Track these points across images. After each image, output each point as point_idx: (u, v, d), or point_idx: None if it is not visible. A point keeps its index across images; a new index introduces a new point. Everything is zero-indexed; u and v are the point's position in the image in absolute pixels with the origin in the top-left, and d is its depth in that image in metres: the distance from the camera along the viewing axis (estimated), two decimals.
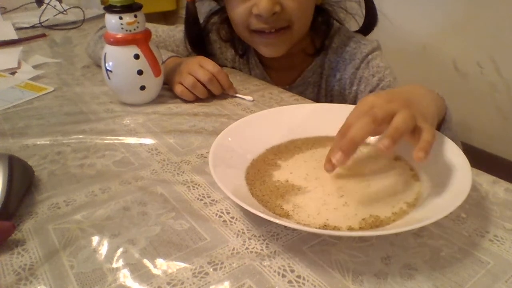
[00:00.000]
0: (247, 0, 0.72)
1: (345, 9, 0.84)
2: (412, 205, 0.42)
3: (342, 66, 0.82)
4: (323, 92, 0.86)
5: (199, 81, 0.71)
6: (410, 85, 0.52)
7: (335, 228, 0.39)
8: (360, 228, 0.39)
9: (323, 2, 0.82)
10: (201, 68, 0.72)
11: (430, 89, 0.53)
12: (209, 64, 0.73)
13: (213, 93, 0.73)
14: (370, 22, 0.83)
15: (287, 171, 0.49)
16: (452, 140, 0.48)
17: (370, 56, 0.79)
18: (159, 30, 0.90)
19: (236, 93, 0.75)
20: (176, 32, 0.90)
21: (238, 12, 0.74)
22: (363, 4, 0.81)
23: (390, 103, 0.44)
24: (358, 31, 0.85)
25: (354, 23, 0.86)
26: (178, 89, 0.72)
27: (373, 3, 0.81)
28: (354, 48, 0.81)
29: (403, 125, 0.41)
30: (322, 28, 0.83)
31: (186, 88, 0.71)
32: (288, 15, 0.72)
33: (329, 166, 0.44)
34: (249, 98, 0.73)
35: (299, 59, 0.84)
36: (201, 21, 0.87)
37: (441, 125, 0.55)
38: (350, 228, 0.39)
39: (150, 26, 0.86)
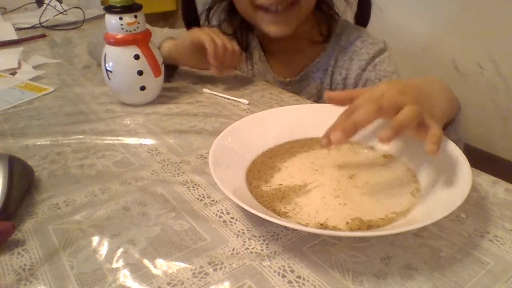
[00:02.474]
0: None
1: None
2: (400, 214, 0.41)
3: (348, 64, 0.82)
4: (324, 90, 0.85)
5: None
6: (430, 77, 0.51)
7: (334, 228, 0.39)
8: (359, 229, 0.39)
9: None
10: (219, 36, 0.72)
11: (448, 87, 0.52)
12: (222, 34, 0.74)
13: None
14: (362, 11, 0.83)
15: (286, 172, 0.49)
16: (455, 142, 0.48)
17: (377, 59, 0.79)
18: (162, 30, 0.90)
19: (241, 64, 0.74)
20: (178, 30, 0.90)
21: None
22: None
23: (401, 95, 0.43)
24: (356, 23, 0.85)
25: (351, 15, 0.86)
26: (209, 39, 0.71)
27: None
28: (361, 48, 0.80)
29: (407, 119, 0.40)
30: (326, 15, 0.83)
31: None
32: None
33: (325, 141, 0.44)
34: (244, 101, 0.72)
35: (304, 47, 0.83)
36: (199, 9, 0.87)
37: (448, 125, 0.54)
38: (349, 228, 0.39)
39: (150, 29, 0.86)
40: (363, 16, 0.84)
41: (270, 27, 0.76)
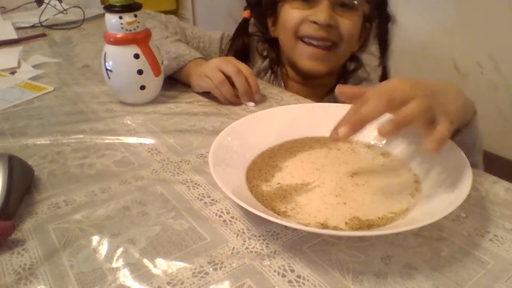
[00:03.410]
0: (307, 9, 0.75)
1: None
2: (399, 214, 0.41)
3: None
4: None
5: (227, 78, 0.70)
6: (443, 81, 0.49)
7: (334, 228, 0.39)
8: (359, 228, 0.39)
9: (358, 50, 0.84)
10: (230, 63, 0.71)
11: (461, 90, 0.51)
12: (242, 64, 0.72)
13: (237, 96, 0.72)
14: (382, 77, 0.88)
15: (286, 171, 0.48)
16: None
17: None
18: (195, 29, 0.91)
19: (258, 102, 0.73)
20: (212, 32, 0.91)
21: (292, 17, 0.76)
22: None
23: (413, 89, 0.42)
24: None
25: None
26: (208, 83, 0.71)
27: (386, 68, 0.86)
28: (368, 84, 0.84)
29: (413, 114, 0.39)
30: (350, 73, 0.86)
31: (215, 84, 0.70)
32: (339, 32, 0.75)
33: (334, 133, 0.42)
34: (251, 104, 0.71)
35: (315, 86, 0.86)
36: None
37: (462, 129, 0.52)
38: (349, 228, 0.39)
39: (188, 26, 0.87)
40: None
41: (306, 61, 0.79)
